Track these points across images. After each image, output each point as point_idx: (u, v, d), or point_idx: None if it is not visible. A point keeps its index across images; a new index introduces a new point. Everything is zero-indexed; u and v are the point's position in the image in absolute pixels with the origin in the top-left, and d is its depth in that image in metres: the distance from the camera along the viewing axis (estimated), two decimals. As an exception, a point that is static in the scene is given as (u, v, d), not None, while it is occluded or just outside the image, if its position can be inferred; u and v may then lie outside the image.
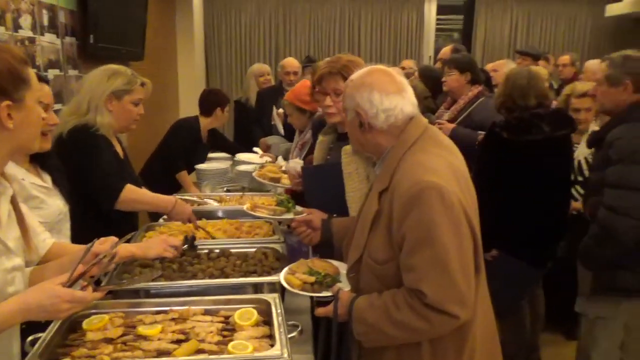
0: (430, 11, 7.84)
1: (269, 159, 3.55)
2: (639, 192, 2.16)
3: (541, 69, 3.78)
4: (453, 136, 3.32)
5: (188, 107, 6.76)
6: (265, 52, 7.61)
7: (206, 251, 2.10)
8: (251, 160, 3.74)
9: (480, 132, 3.26)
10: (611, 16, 7.45)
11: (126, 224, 2.24)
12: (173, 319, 1.57)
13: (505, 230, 2.66)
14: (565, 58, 5.15)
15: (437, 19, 8.02)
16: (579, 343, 2.58)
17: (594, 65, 4.27)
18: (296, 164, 2.38)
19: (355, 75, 1.56)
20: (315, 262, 1.77)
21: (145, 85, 2.43)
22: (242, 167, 3.67)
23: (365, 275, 1.53)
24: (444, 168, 1.44)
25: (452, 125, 3.39)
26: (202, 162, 3.86)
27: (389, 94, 1.48)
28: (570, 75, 5.00)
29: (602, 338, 2.34)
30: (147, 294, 1.75)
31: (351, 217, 1.86)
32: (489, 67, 4.54)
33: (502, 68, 4.27)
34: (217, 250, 2.10)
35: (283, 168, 2.75)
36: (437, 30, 8.11)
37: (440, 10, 8.00)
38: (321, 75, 2.05)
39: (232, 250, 2.10)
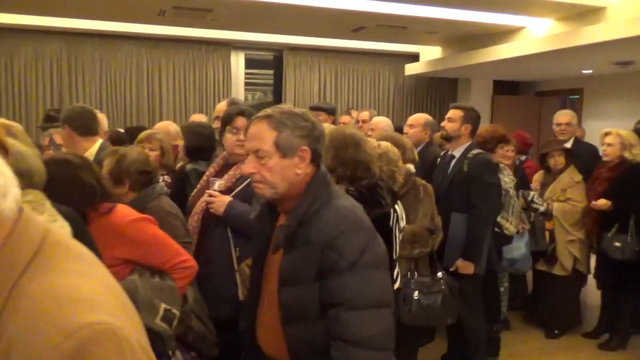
0: (238, 64, 7.48)
1: None
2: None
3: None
4: (228, 214, 2.55)
5: None
6: (46, 103, 6.50)
7: None
8: None
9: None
10: (410, 75, 7.83)
11: None
12: None
13: None
14: (365, 114, 5.01)
15: (248, 73, 7.71)
16: None
17: (382, 122, 4.10)
18: None
19: None
20: None
21: None
22: None
23: None
24: (103, 295, 0.79)
25: (227, 199, 2.58)
26: None
27: None
28: (368, 132, 4.85)
29: None
30: None
31: None
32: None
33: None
34: None
35: None
36: (248, 84, 7.78)
37: (250, 64, 7.71)
38: None
39: None
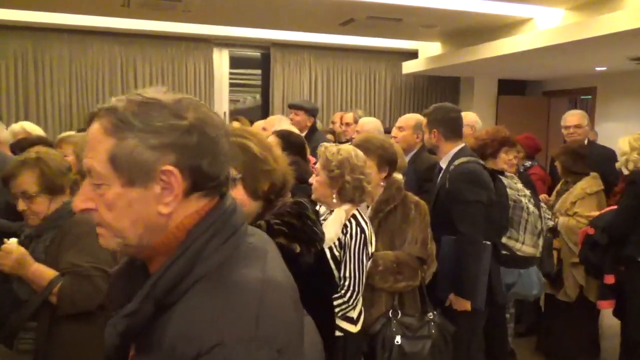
0: (222, 63, 6.93)
1: None
2: None
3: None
4: None
5: None
6: (11, 107, 5.98)
7: None
8: None
9: None
10: (408, 73, 7.26)
11: None
12: None
13: None
14: (349, 116, 4.46)
15: (233, 73, 7.16)
16: None
17: (369, 123, 3.55)
18: None
19: None
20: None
21: None
22: None
23: None
24: None
25: None
26: None
27: None
28: (354, 135, 4.30)
29: None
30: None
31: None
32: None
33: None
34: None
35: None
36: (233, 85, 7.23)
37: (235, 63, 7.16)
38: None
39: None
